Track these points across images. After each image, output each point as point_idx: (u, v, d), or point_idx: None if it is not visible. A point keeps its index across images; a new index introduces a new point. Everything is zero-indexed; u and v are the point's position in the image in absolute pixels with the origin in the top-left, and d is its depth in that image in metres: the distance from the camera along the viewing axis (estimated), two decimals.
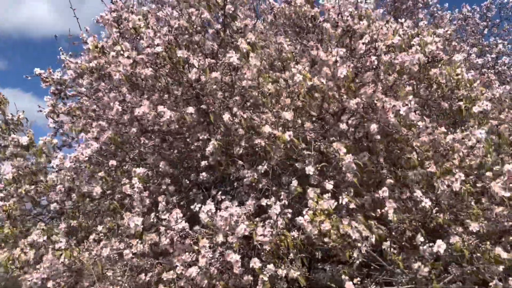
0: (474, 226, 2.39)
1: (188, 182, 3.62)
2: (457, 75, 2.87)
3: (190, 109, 2.81)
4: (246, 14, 4.35)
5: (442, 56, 2.79)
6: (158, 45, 2.64)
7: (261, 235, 2.38)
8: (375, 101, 2.58)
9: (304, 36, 3.44)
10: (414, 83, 2.94)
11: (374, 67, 2.65)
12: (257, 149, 2.99)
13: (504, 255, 2.27)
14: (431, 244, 2.31)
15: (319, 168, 2.85)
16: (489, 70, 5.45)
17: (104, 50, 3.06)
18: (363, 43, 2.67)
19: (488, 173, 2.83)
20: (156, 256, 3.15)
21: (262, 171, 3.07)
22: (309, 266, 3.27)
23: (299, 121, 3.30)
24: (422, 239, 2.39)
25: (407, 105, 2.43)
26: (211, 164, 3.18)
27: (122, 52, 2.86)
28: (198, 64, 2.64)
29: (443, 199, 2.60)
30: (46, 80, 3.53)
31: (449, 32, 3.57)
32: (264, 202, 2.71)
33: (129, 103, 2.91)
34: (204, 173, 3.25)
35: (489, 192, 2.42)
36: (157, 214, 2.99)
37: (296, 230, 2.77)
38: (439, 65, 2.84)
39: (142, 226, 3.11)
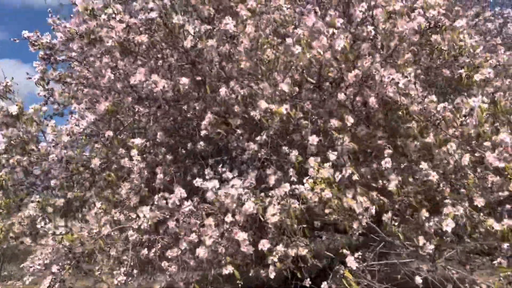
0: (479, 201, 2.37)
1: (184, 151, 3.56)
2: (460, 41, 2.76)
3: (184, 80, 2.69)
4: None
5: (445, 22, 2.67)
6: (152, 9, 2.49)
7: (273, 214, 2.34)
8: (374, 73, 2.50)
9: None
10: (415, 49, 2.83)
11: (371, 37, 2.55)
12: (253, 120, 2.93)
13: (497, 226, 2.26)
14: (436, 219, 2.28)
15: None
16: (494, 38, 5.33)
17: (94, 12, 2.88)
18: (360, 11, 2.55)
19: (486, 143, 2.80)
20: (158, 229, 3.11)
21: (262, 142, 3.02)
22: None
23: (297, 89, 3.22)
24: (427, 214, 2.36)
25: (406, 77, 2.35)
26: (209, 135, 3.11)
27: (114, 15, 2.70)
28: (193, 31, 2.50)
29: (444, 171, 2.56)
30: (35, 44, 3.34)
31: None
32: (270, 180, 2.65)
33: (121, 70, 2.77)
34: (202, 143, 3.18)
35: (484, 162, 2.38)
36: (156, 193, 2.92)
37: (296, 200, 2.76)
38: (441, 31, 2.72)
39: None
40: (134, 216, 2.97)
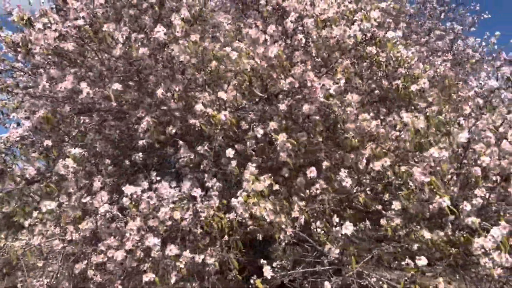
0: (396, 205, 2.39)
1: (128, 163, 3.51)
2: (397, 52, 2.83)
3: (116, 85, 2.67)
4: None
5: (379, 33, 2.73)
6: (83, 17, 2.48)
7: (180, 218, 2.31)
8: (307, 81, 2.52)
9: (247, 13, 3.35)
10: (355, 61, 2.88)
11: (302, 45, 2.59)
12: (197, 129, 2.91)
13: (427, 235, 2.28)
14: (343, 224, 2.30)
15: (255, 149, 2.79)
16: (445, 54, 5.49)
17: (31, 22, 2.85)
18: (291, 21, 2.60)
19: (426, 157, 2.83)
20: (96, 242, 3.03)
21: (202, 152, 2.99)
22: (250, 247, 3.24)
23: (244, 102, 3.23)
24: (337, 219, 2.37)
25: (337, 83, 2.39)
26: (150, 144, 3.07)
27: (50, 25, 2.68)
28: (123, 40, 2.50)
29: (370, 181, 2.59)
30: None
31: (392, 5, 3.48)
32: (185, 186, 2.62)
33: (56, 79, 2.74)
34: (140, 154, 3.13)
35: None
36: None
37: (234, 212, 2.73)
38: (376, 43, 2.78)
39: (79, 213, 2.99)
40: (70, 229, 2.89)
